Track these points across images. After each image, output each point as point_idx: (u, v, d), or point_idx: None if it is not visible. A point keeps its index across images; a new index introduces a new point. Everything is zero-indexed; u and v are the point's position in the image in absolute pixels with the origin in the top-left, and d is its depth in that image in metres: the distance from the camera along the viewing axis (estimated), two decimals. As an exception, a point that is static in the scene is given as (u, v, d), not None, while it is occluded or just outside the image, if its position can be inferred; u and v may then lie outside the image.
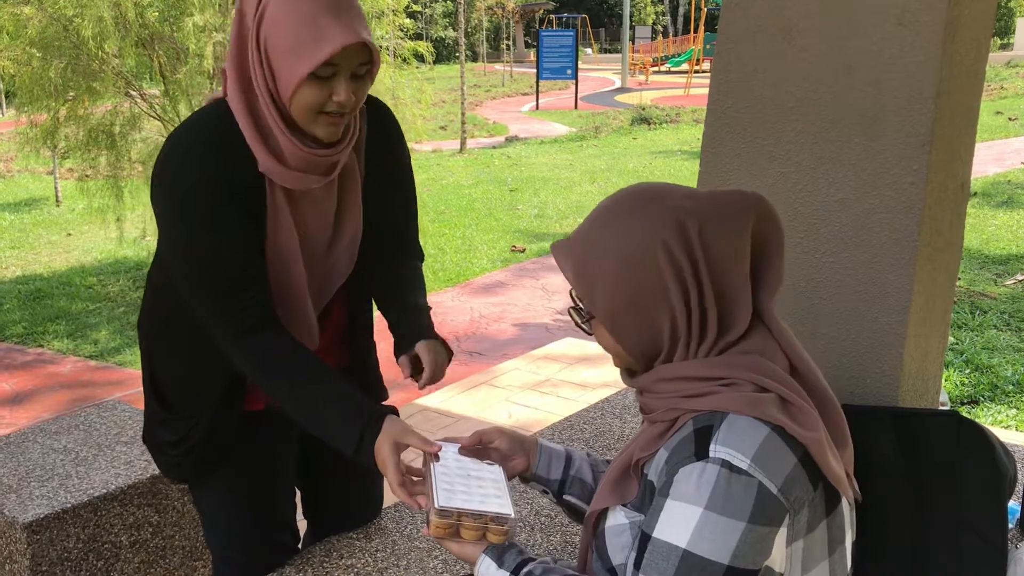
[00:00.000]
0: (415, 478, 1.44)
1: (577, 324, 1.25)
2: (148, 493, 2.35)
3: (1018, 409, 4.15)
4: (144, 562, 2.37)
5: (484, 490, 1.34)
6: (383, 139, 1.75)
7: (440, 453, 1.41)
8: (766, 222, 1.16)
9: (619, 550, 1.18)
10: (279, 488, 1.89)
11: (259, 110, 1.51)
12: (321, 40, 1.42)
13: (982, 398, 4.30)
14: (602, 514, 1.23)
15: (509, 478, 1.42)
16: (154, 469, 2.38)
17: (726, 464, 1.06)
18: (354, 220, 1.70)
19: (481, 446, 1.45)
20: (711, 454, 1.07)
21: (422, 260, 1.91)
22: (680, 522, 1.06)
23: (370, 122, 1.72)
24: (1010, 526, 2.00)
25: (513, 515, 1.29)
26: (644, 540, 1.10)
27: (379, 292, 1.85)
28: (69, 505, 2.21)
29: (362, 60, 1.49)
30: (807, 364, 1.19)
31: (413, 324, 1.77)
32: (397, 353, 1.76)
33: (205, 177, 1.50)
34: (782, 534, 1.07)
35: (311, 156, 1.53)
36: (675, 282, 1.11)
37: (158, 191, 1.54)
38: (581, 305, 1.22)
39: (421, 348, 1.71)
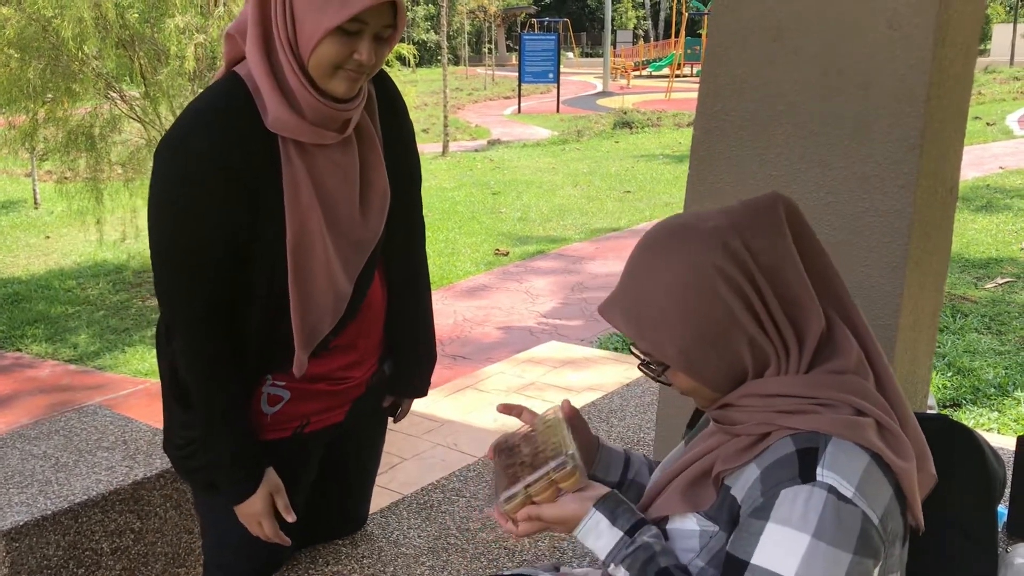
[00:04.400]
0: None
1: (653, 378, 1.17)
2: (130, 499, 2.32)
3: (1000, 412, 4.18)
4: (126, 569, 2.34)
5: (545, 453, 1.23)
6: (392, 108, 1.77)
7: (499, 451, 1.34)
8: (794, 215, 1.12)
9: (681, 553, 1.13)
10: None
11: (278, 63, 1.50)
12: None
13: (964, 401, 4.32)
14: (664, 516, 1.17)
15: None
16: (136, 475, 2.34)
17: (833, 491, 1.00)
18: (381, 179, 1.69)
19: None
20: (818, 478, 1.01)
21: (424, 230, 1.95)
22: (787, 550, 1.00)
23: (378, 91, 1.73)
24: (999, 529, 2.00)
25: (571, 451, 1.17)
26: (739, 566, 1.03)
27: (391, 282, 1.85)
28: (49, 512, 2.17)
29: (387, 23, 1.49)
30: (891, 378, 1.13)
31: (416, 381, 1.98)
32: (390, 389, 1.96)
33: (206, 151, 1.49)
34: (876, 569, 1.03)
35: (328, 110, 1.53)
36: (739, 301, 1.07)
37: (161, 156, 1.52)
38: (650, 359, 1.15)
39: (408, 403, 2.01)
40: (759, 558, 1.01)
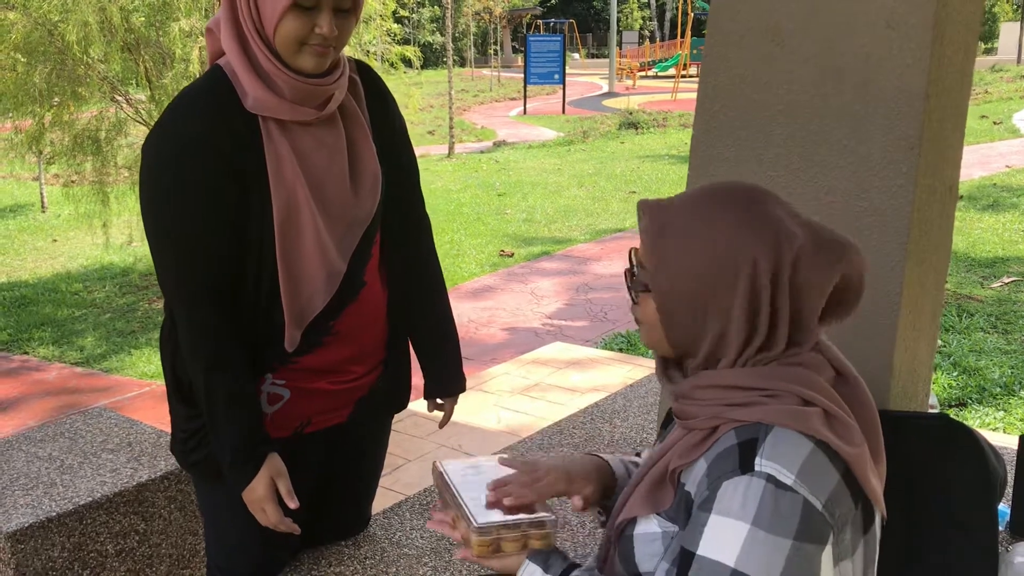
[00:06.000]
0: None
1: (628, 287, 1.19)
2: (134, 501, 2.33)
3: (1005, 411, 4.16)
4: (130, 571, 2.35)
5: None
6: (380, 98, 1.79)
7: (451, 469, 1.39)
8: (856, 273, 1.12)
9: (648, 558, 1.15)
10: (290, 511, 1.87)
11: (251, 49, 1.55)
12: None
13: (970, 400, 4.31)
14: (631, 519, 1.20)
15: (583, 508, 1.35)
16: (140, 477, 2.35)
17: (772, 479, 1.02)
18: (370, 159, 1.71)
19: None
20: (756, 468, 1.03)
21: (430, 226, 1.96)
22: (727, 539, 1.02)
23: (363, 80, 1.76)
24: (1000, 528, 2.00)
25: (552, 517, 1.25)
26: (687, 558, 1.06)
27: (401, 279, 1.86)
28: (54, 514, 2.18)
29: None
30: (852, 373, 1.15)
31: (446, 378, 1.96)
32: (427, 394, 1.98)
33: (195, 130, 1.53)
34: (828, 553, 1.04)
35: (304, 86, 1.56)
36: (747, 298, 1.07)
37: (148, 144, 1.56)
38: (639, 272, 1.16)
39: (448, 403, 1.99)
40: (704, 549, 1.04)
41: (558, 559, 1.22)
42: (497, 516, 1.24)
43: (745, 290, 1.07)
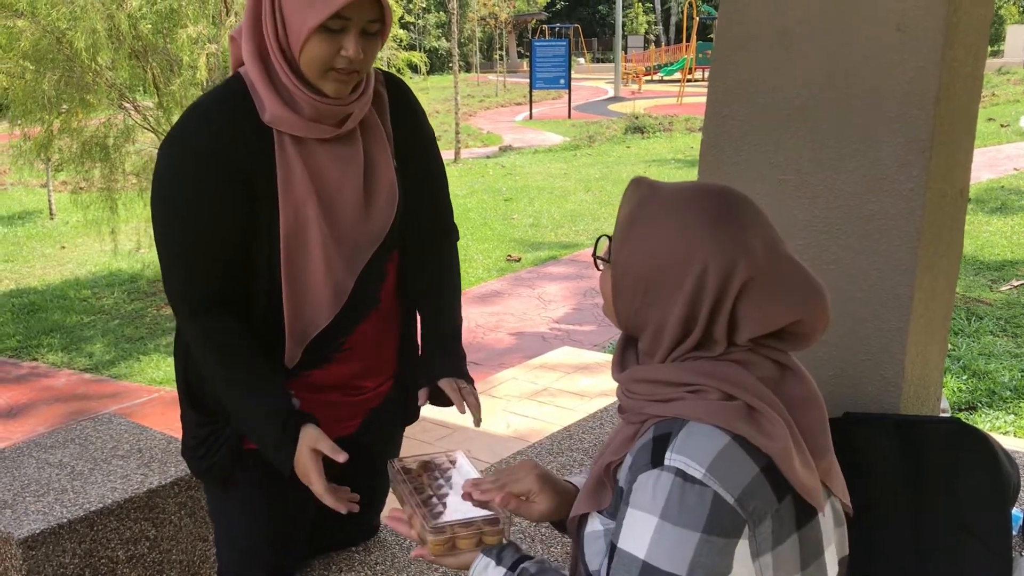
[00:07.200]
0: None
1: (592, 254, 1.23)
2: (145, 507, 2.33)
3: (1016, 415, 4.15)
4: (141, 577, 2.35)
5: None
6: (408, 111, 1.77)
7: (407, 467, 1.41)
8: (813, 319, 1.12)
9: (595, 556, 1.17)
10: (300, 517, 1.86)
11: (272, 65, 1.54)
12: None
13: (980, 404, 4.30)
14: (583, 520, 1.21)
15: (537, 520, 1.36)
16: (151, 483, 2.36)
17: (680, 473, 1.03)
18: (387, 174, 1.69)
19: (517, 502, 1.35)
20: (666, 462, 1.05)
21: (457, 238, 1.90)
22: (639, 532, 1.05)
23: (391, 94, 1.73)
24: (1013, 533, 1.99)
25: (506, 514, 1.28)
26: (612, 550, 1.09)
27: (417, 285, 1.82)
28: (65, 520, 2.18)
29: (373, 17, 1.50)
30: (798, 370, 1.16)
31: (446, 363, 1.78)
32: (421, 380, 1.79)
33: (207, 139, 1.53)
34: (744, 546, 1.04)
35: (324, 106, 1.55)
36: (689, 300, 1.09)
37: (162, 153, 1.56)
38: (609, 244, 1.20)
39: (445, 384, 1.74)
40: (622, 542, 1.07)
41: (510, 551, 1.24)
42: (451, 515, 1.27)
43: (689, 291, 1.08)
